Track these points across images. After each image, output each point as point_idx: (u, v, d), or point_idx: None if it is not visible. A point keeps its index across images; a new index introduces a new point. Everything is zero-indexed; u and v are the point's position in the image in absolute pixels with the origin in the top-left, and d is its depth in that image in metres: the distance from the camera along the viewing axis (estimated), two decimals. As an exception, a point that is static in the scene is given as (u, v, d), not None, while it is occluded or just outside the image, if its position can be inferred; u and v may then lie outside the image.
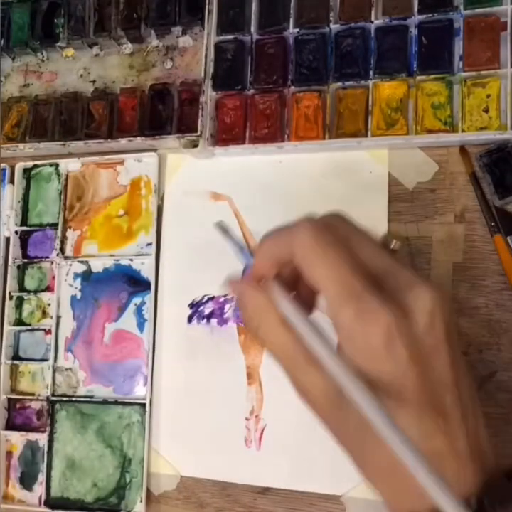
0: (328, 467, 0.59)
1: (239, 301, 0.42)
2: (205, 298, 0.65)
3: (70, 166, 0.72)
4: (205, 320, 0.64)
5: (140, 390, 0.66)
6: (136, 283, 0.68)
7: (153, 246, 0.67)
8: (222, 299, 0.64)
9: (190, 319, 0.65)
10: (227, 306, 0.64)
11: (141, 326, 0.67)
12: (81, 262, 0.70)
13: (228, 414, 0.63)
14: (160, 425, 0.64)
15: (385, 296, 0.36)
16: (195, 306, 0.65)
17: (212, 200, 0.66)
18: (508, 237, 0.56)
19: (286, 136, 0.63)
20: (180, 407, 0.64)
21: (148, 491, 0.64)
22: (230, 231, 0.47)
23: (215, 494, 0.62)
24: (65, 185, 0.71)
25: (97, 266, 0.70)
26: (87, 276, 0.70)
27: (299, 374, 0.40)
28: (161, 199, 0.68)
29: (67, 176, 0.72)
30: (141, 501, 0.63)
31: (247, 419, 0.62)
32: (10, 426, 0.70)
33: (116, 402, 0.66)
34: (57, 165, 0.72)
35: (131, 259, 0.68)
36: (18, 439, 0.69)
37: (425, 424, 0.36)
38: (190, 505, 0.63)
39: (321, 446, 0.59)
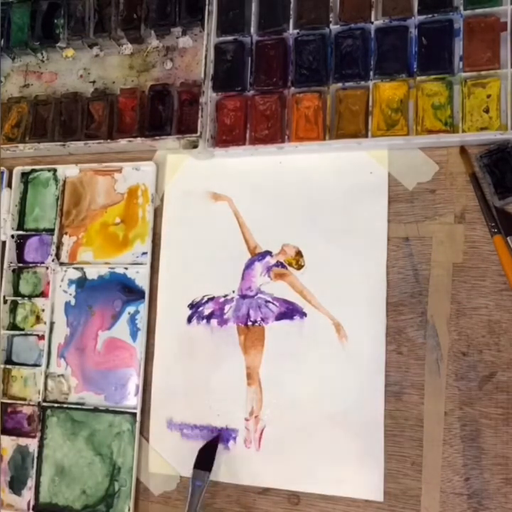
0: (327, 467, 0.59)
1: None
2: (205, 298, 0.65)
3: (68, 171, 0.72)
4: (204, 320, 0.64)
5: (131, 399, 0.66)
6: (130, 292, 0.67)
7: (149, 255, 0.67)
8: (222, 300, 0.64)
9: (189, 320, 0.65)
10: (227, 307, 0.64)
11: (134, 335, 0.67)
12: (76, 268, 0.70)
13: (228, 415, 0.63)
14: (161, 425, 0.64)
15: None
16: (194, 306, 0.65)
17: (212, 200, 0.66)
18: (508, 238, 0.56)
19: (286, 137, 0.63)
20: (181, 408, 0.64)
21: (148, 491, 0.64)
22: None
23: (215, 494, 0.62)
24: (63, 191, 0.71)
25: (92, 273, 0.69)
26: (81, 283, 0.70)
27: None
28: (160, 199, 0.68)
29: (64, 181, 0.71)
30: (129, 510, 0.63)
31: (246, 419, 0.62)
32: (1, 430, 0.69)
33: (107, 411, 0.66)
34: (55, 170, 0.72)
35: (126, 268, 0.68)
36: (8, 443, 0.69)
37: None
38: (190, 505, 0.63)
39: (320, 446, 0.59)
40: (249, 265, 0.64)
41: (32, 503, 0.67)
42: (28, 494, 0.67)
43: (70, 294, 0.70)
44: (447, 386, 0.57)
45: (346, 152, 0.62)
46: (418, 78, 0.59)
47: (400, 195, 0.60)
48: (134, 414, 0.65)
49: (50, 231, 0.71)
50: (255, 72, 0.64)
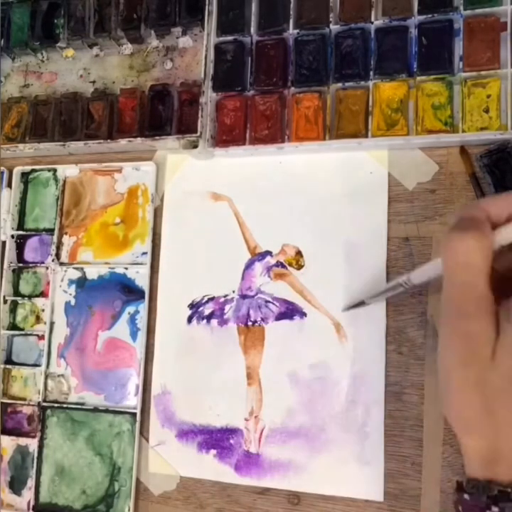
0: (327, 468, 0.59)
1: (462, 221, 0.41)
2: (205, 298, 0.65)
3: (68, 171, 0.72)
4: (204, 320, 0.64)
5: (131, 399, 0.66)
6: (130, 292, 0.67)
7: (149, 255, 0.67)
8: (222, 300, 0.64)
9: (189, 320, 0.65)
10: (227, 307, 0.64)
11: (134, 335, 0.67)
12: (76, 268, 0.70)
13: (228, 415, 0.63)
14: (160, 425, 0.64)
15: None
16: (194, 306, 0.65)
17: (212, 200, 0.66)
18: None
19: (286, 137, 0.63)
20: (180, 407, 0.64)
21: (148, 491, 0.64)
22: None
23: (215, 494, 0.62)
24: (63, 191, 0.71)
25: (92, 273, 0.69)
26: (81, 283, 0.70)
27: (473, 319, 0.39)
28: (160, 199, 0.68)
29: (64, 181, 0.71)
30: (129, 510, 0.63)
31: (246, 419, 0.62)
32: (1, 430, 0.69)
33: (107, 411, 0.66)
34: (55, 170, 0.72)
35: (126, 268, 0.68)
36: (8, 443, 0.69)
37: None
38: (190, 505, 0.63)
39: (320, 446, 0.59)
40: (249, 265, 0.64)
41: (32, 503, 0.67)
42: (28, 494, 0.67)
43: (70, 294, 0.70)
44: (447, 386, 0.57)
45: (346, 152, 0.62)
46: (418, 78, 0.59)
47: (400, 195, 0.60)
48: (134, 414, 0.65)
49: (50, 231, 0.71)
50: (255, 72, 0.64)
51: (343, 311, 0.60)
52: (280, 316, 0.62)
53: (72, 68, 0.73)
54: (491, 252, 0.39)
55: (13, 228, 0.72)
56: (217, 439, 0.63)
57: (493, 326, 0.38)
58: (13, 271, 0.72)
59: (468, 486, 0.40)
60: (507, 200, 0.40)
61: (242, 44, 0.65)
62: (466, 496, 0.39)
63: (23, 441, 0.68)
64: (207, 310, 0.65)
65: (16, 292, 0.72)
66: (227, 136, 0.65)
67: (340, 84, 0.62)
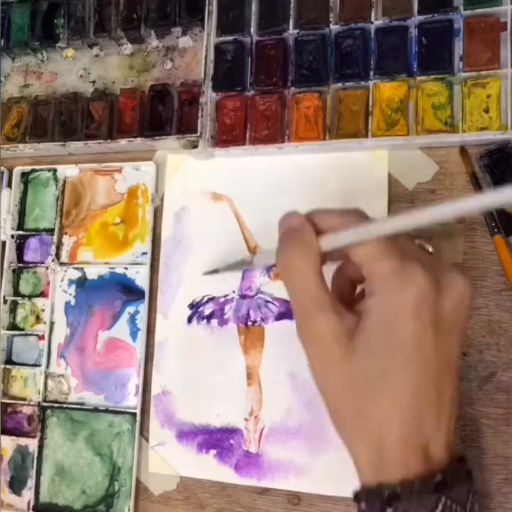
0: (327, 468, 0.59)
1: (285, 234, 0.45)
2: (205, 298, 0.65)
3: (68, 171, 0.71)
4: (204, 320, 0.64)
5: (131, 399, 0.66)
6: (130, 292, 0.67)
7: (149, 255, 0.67)
8: (222, 300, 0.64)
9: (189, 320, 0.65)
10: (227, 307, 0.64)
11: (134, 335, 0.67)
12: (76, 268, 0.70)
13: (227, 415, 0.62)
14: (160, 425, 0.64)
15: (426, 268, 0.39)
16: (194, 306, 0.65)
17: (212, 200, 0.66)
18: (508, 238, 0.56)
19: (286, 137, 0.63)
20: (180, 407, 0.64)
21: (148, 491, 0.64)
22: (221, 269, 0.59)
23: (215, 494, 0.62)
24: (63, 191, 0.71)
25: (92, 273, 0.69)
26: (81, 283, 0.69)
27: (314, 318, 0.41)
28: (160, 199, 0.68)
29: (64, 181, 0.71)
30: (129, 510, 0.63)
31: (246, 419, 0.62)
32: (1, 430, 0.69)
33: (107, 411, 0.66)
34: (55, 170, 0.72)
35: (126, 268, 0.68)
36: (8, 444, 0.69)
37: (425, 388, 0.39)
38: (190, 505, 0.62)
39: (320, 446, 0.59)
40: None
41: (32, 503, 0.67)
42: (28, 494, 0.67)
43: (70, 294, 0.70)
44: (447, 386, 0.57)
45: (346, 152, 0.62)
46: (418, 78, 0.59)
47: (399, 195, 0.60)
48: (134, 414, 0.65)
49: (50, 231, 0.71)
50: (255, 72, 0.64)
51: (203, 275, 0.63)
52: (280, 316, 0.62)
53: (72, 68, 0.73)
54: (317, 256, 0.43)
55: (13, 228, 0.72)
56: (217, 439, 0.63)
57: (336, 320, 0.41)
58: (13, 271, 0.72)
59: (361, 495, 0.39)
60: (329, 215, 0.44)
61: (242, 44, 0.65)
62: (362, 505, 0.39)
63: (23, 441, 0.68)
64: (207, 310, 0.65)
65: (16, 292, 0.72)
66: (227, 136, 0.65)
67: (340, 84, 0.62)
